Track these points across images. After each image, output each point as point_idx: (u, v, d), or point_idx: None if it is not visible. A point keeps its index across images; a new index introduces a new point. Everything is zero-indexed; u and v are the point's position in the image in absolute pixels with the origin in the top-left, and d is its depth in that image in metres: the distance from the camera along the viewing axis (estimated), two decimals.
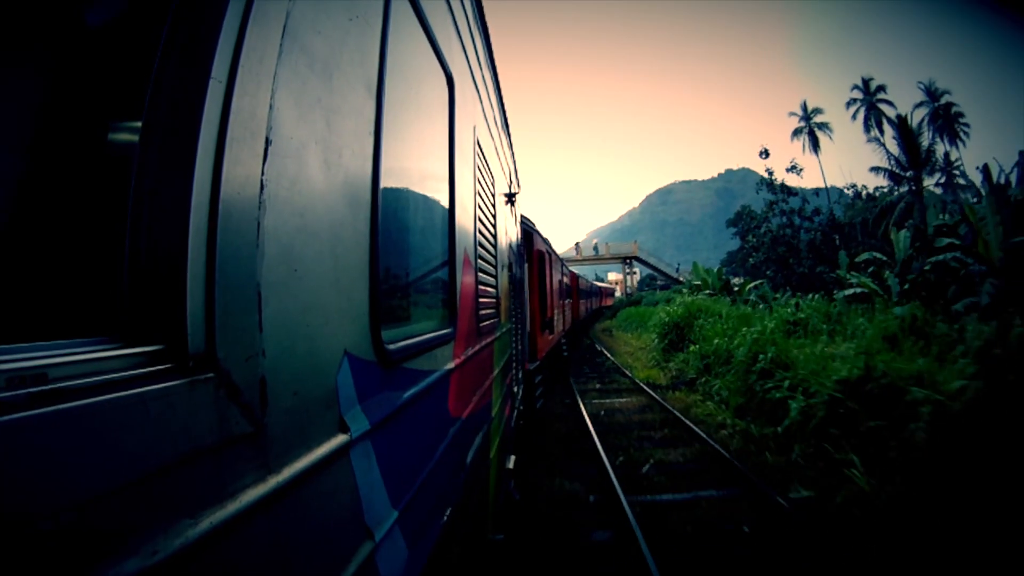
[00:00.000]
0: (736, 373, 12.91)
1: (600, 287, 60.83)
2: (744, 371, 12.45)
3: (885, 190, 39.31)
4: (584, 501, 7.05)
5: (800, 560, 5.27)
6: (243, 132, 0.90)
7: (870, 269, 19.01)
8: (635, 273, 78.63)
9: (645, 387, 15.50)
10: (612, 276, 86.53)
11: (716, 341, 15.79)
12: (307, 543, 1.07)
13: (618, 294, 79.57)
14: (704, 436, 9.72)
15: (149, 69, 0.83)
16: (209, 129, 0.82)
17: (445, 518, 2.26)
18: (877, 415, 7.74)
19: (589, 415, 12.01)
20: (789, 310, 15.94)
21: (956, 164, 43.91)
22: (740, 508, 6.55)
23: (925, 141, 35.61)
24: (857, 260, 20.53)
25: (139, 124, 0.83)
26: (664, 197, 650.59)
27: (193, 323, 0.78)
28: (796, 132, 62.15)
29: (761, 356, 12.04)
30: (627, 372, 18.93)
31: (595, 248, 74.92)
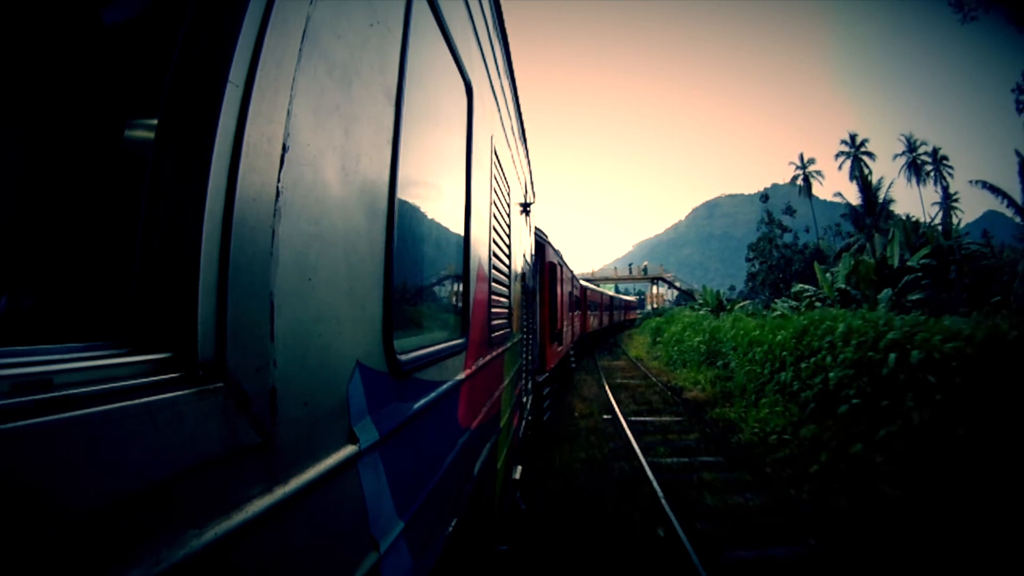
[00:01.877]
0: (666, 345, 28.28)
1: (624, 300, 61.45)
2: (669, 344, 27.49)
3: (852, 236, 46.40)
4: (592, 383, 19.09)
5: (654, 391, 17.59)
6: (259, 138, 0.89)
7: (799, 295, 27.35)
8: (676, 289, 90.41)
9: (632, 358, 29.60)
10: (655, 289, 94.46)
11: (665, 335, 31.14)
12: (312, 554, 1.05)
13: (649, 307, 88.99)
14: (644, 370, 23.13)
15: (165, 71, 0.83)
16: (225, 134, 0.81)
17: (450, 529, 2.23)
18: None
19: (600, 365, 25.35)
20: (717, 320, 25.64)
21: (954, 196, 55.88)
22: (643, 383, 19.35)
23: (882, 195, 42.94)
24: (793, 291, 28.03)
25: (154, 122, 0.82)
26: (711, 210, 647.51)
27: (204, 331, 0.77)
28: (794, 179, 78.64)
29: (675, 340, 26.79)
30: (627, 353, 33.51)
31: (644, 269, 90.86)
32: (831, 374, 10.59)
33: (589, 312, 28.41)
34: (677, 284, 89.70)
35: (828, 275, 24.69)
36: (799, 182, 77.71)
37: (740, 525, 6.43)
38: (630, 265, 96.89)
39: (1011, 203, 23.32)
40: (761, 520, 6.54)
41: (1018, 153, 20.13)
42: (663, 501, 7.06)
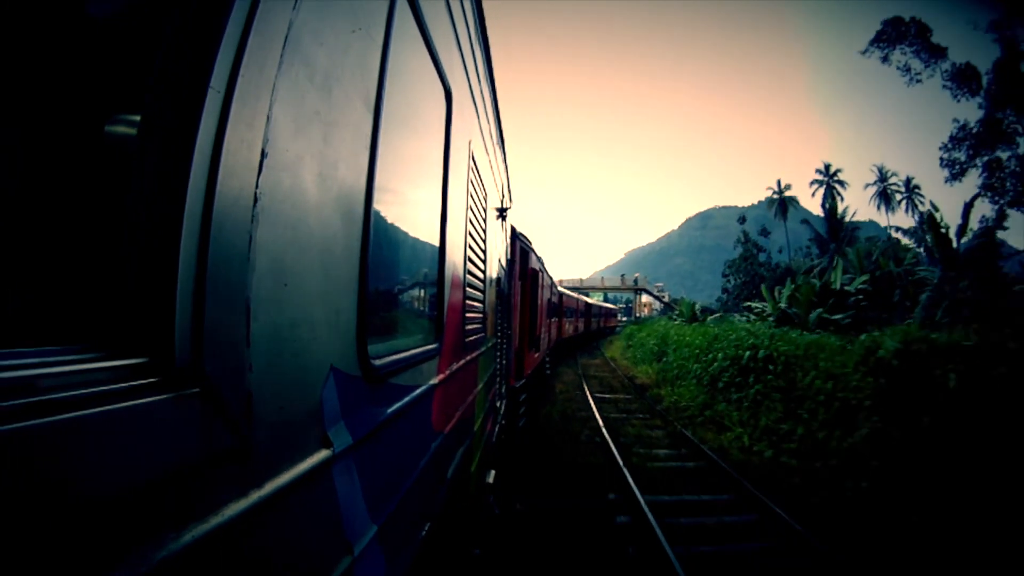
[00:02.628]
0: (634, 348, 34.11)
1: (603, 307, 62.84)
2: (636, 347, 33.13)
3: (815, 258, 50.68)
4: (571, 373, 25.61)
5: (617, 379, 24.43)
6: (239, 143, 0.89)
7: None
8: (657, 299, 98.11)
9: (607, 358, 35.81)
10: (644, 299, 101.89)
11: (635, 339, 36.34)
12: (287, 557, 1.06)
13: (634, 316, 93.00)
14: (612, 365, 30.70)
15: (148, 70, 0.83)
16: (205, 139, 0.81)
17: (424, 533, 2.24)
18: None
19: (579, 362, 30.85)
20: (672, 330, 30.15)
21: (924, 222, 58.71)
22: (609, 375, 26.17)
23: (847, 218, 46.53)
24: (744, 305, 33.01)
25: (136, 119, 0.82)
26: (704, 221, 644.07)
27: (181, 336, 0.77)
28: (771, 202, 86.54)
29: (640, 343, 32.84)
30: (604, 354, 39.20)
31: (636, 280, 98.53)
32: (715, 364, 16.97)
33: (565, 319, 29.28)
34: (659, 295, 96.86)
35: (775, 295, 28.52)
36: (783, 194, 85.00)
37: (645, 441, 12.01)
38: (622, 276, 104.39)
39: (925, 248, 25.13)
40: (658, 440, 12.19)
41: (933, 204, 23.26)
42: (603, 430, 12.47)
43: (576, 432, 12.47)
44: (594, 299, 61.91)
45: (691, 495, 8.41)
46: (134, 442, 0.68)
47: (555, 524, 7.07)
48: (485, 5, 3.86)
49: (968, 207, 19.68)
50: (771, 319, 24.88)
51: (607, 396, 18.67)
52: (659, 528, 6.70)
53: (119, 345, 0.75)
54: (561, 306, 25.95)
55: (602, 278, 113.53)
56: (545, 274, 15.80)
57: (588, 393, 18.52)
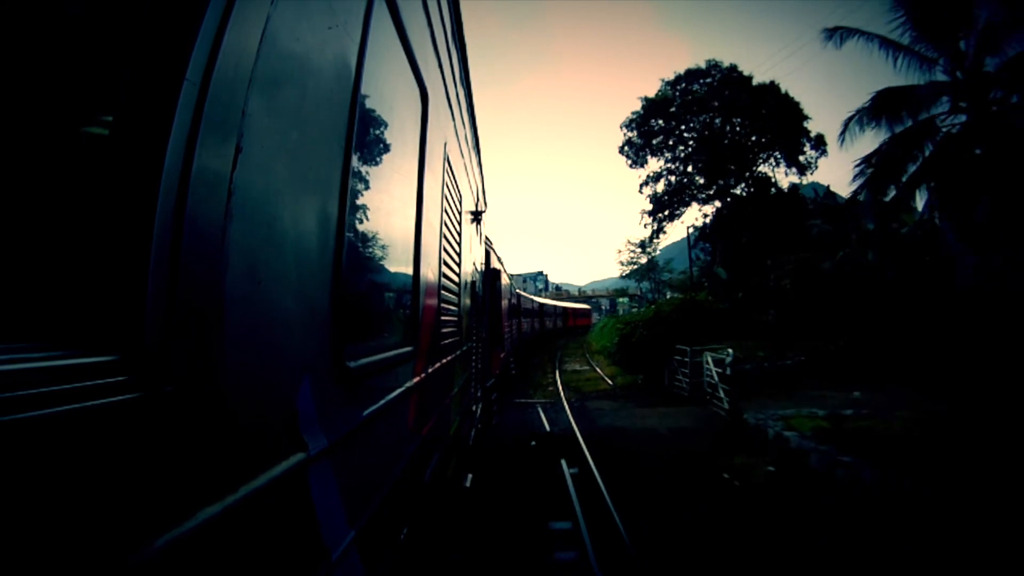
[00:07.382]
0: (598, 333, 60.55)
1: (559, 307, 64.30)
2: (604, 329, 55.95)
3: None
4: (556, 347, 46.63)
5: (580, 344, 53.49)
6: (214, 137, 0.87)
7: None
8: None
9: (586, 340, 58.92)
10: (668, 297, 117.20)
11: (599, 325, 71.69)
12: (263, 562, 1.03)
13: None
14: (582, 340, 59.43)
15: (125, 64, 0.80)
16: (180, 132, 0.79)
17: (402, 537, 2.21)
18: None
19: (566, 344, 52.43)
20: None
21: None
22: (576, 344, 52.88)
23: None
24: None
25: (110, 124, 0.79)
26: None
27: (153, 333, 0.74)
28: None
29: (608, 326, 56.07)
30: (586, 338, 61.17)
31: (630, 288, 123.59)
32: (618, 326, 32.68)
33: (523, 319, 30.98)
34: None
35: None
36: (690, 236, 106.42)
37: (570, 349, 45.50)
38: (638, 285, 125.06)
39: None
40: (575, 348, 46.75)
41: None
42: (557, 350, 43.34)
43: (544, 367, 25.52)
44: (549, 300, 64.83)
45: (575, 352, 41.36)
46: (102, 441, 0.65)
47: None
48: (472, 6, 3.86)
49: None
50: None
51: (567, 347, 45.67)
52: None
53: (88, 342, 0.72)
54: (519, 307, 27.30)
55: (608, 288, 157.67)
56: (504, 274, 15.83)
57: (557, 353, 38.00)
